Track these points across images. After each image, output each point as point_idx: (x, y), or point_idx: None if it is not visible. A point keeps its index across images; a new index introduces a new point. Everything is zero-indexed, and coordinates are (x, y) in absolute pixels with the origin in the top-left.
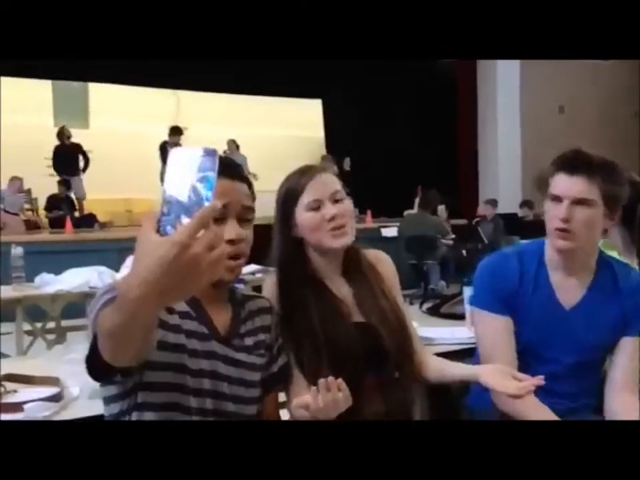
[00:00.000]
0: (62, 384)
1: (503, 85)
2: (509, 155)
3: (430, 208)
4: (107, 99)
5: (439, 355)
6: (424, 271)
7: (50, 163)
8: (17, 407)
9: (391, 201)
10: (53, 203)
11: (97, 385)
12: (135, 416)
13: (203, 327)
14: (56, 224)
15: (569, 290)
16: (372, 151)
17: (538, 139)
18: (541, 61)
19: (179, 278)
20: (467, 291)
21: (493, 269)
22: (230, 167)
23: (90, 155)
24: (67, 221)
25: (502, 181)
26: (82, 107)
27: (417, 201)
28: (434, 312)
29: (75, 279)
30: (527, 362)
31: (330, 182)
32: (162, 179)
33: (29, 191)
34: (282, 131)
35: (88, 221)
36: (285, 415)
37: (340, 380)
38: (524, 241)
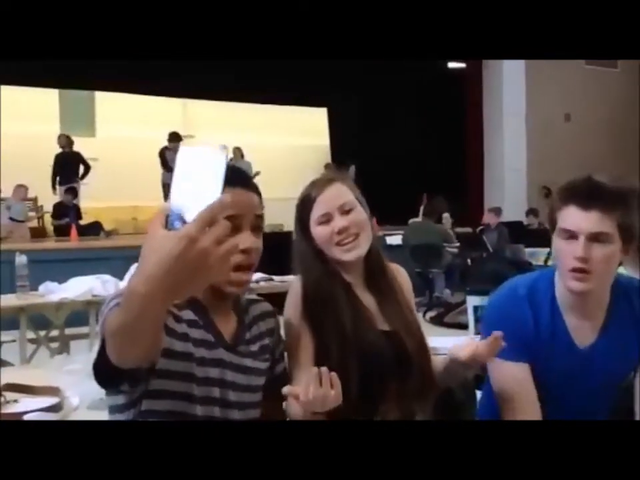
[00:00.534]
0: (62, 394)
1: (509, 92)
2: (515, 162)
3: (435, 216)
4: (113, 107)
5: None
6: (429, 279)
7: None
8: (17, 417)
9: (396, 208)
10: (60, 210)
11: (96, 395)
12: None
13: (210, 335)
14: (62, 232)
15: (584, 330)
16: (377, 158)
17: (544, 146)
18: (548, 68)
19: (187, 273)
20: (471, 300)
21: (505, 314)
22: (243, 177)
23: (96, 163)
24: (72, 229)
25: (507, 188)
26: (88, 115)
27: (421, 209)
28: (438, 321)
29: (79, 287)
30: (549, 402)
31: (338, 193)
32: (163, 184)
33: (35, 199)
34: (287, 139)
35: (93, 228)
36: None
37: (333, 374)
38: (530, 273)
